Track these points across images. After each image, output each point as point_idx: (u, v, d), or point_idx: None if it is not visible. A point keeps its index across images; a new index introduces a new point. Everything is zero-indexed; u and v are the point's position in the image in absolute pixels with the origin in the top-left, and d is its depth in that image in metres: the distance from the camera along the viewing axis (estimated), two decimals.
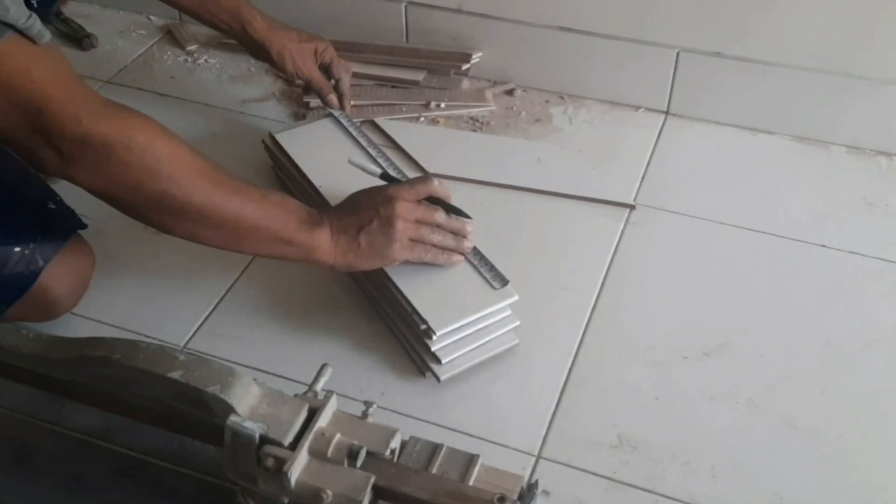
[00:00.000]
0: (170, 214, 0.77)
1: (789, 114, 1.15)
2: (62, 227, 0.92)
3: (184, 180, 0.76)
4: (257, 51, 1.09)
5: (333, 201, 0.95)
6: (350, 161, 0.95)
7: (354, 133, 1.08)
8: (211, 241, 0.81)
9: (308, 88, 1.13)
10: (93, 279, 0.95)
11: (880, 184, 1.09)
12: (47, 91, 0.71)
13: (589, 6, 1.16)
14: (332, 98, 1.12)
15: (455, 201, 0.92)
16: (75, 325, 0.93)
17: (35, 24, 0.70)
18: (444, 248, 0.88)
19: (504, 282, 0.88)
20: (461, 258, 0.90)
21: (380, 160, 1.04)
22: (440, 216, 0.88)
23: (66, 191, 0.97)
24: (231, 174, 0.80)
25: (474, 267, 0.90)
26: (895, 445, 0.82)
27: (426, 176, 0.91)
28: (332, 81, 1.13)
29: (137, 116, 0.76)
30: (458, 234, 0.89)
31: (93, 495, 0.79)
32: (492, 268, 0.89)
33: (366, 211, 0.85)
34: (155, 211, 0.77)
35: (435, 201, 0.89)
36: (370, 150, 1.05)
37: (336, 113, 1.11)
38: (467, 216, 0.90)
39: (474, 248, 0.91)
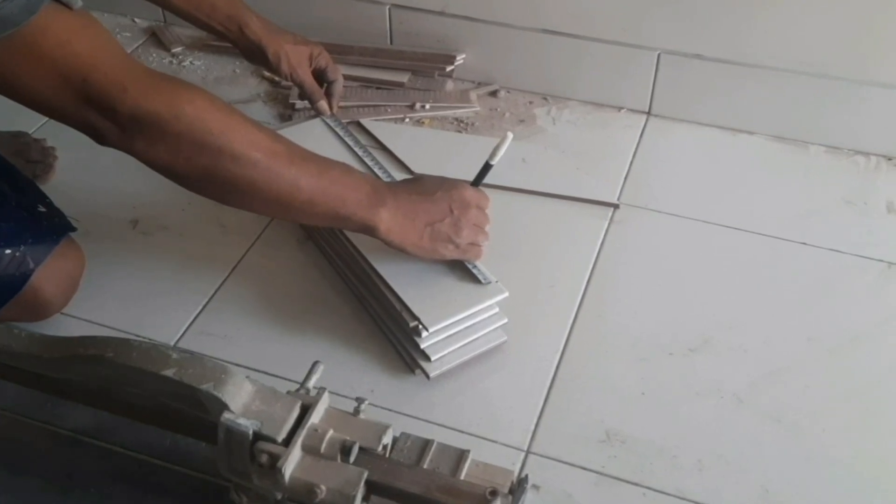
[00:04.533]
0: (222, 186, 0.76)
1: (769, 114, 1.17)
2: (52, 229, 0.92)
3: (236, 152, 0.74)
4: (253, 52, 1.09)
5: None
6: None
7: (341, 133, 1.09)
8: (265, 212, 0.81)
9: (300, 90, 1.14)
10: (83, 280, 0.95)
11: (859, 183, 1.11)
12: (90, 62, 0.69)
13: (571, 9, 1.18)
14: (323, 104, 1.12)
15: None
16: (66, 326, 0.93)
17: None
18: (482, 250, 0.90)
19: (486, 280, 0.89)
20: (483, 255, 0.91)
21: (366, 160, 1.04)
22: (489, 223, 0.90)
23: (56, 193, 0.98)
24: (291, 144, 0.78)
25: (457, 265, 0.91)
26: (877, 438, 0.84)
27: (484, 193, 0.92)
28: (326, 84, 1.13)
29: (185, 87, 0.74)
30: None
31: (86, 494, 0.79)
32: (474, 265, 0.91)
33: (440, 206, 0.85)
34: (209, 182, 0.76)
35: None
36: (357, 150, 1.06)
37: (326, 118, 1.12)
38: None
39: None
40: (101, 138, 0.73)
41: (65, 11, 0.68)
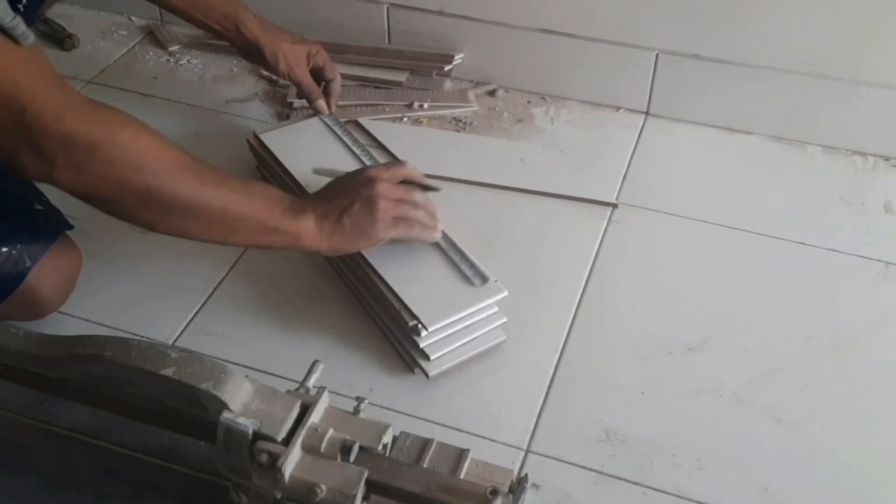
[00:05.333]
0: (156, 210, 0.77)
1: (767, 114, 1.17)
2: (49, 227, 0.92)
3: (169, 175, 0.76)
4: (250, 51, 1.09)
5: None
6: (314, 170, 0.97)
7: (339, 133, 1.09)
8: (198, 235, 0.81)
9: (298, 89, 1.14)
10: (80, 278, 0.95)
11: (856, 183, 1.12)
12: (31, 91, 0.70)
13: (569, 9, 1.18)
14: (321, 103, 1.12)
15: (439, 200, 0.94)
16: (63, 324, 0.93)
17: (19, 26, 0.69)
18: (425, 224, 0.90)
19: (484, 279, 0.89)
20: (440, 234, 0.91)
21: (364, 159, 1.04)
22: (418, 195, 0.90)
23: (52, 192, 0.97)
24: (212, 166, 0.80)
25: (455, 265, 0.91)
26: (876, 436, 0.84)
27: (400, 160, 0.94)
28: (323, 84, 1.13)
29: (119, 114, 0.76)
30: (433, 214, 0.91)
31: (83, 493, 0.79)
32: (472, 265, 0.91)
33: (347, 194, 0.87)
34: (141, 208, 0.77)
35: (408, 184, 0.91)
36: (355, 149, 1.06)
37: (324, 117, 1.12)
38: (438, 189, 0.94)
39: (456, 246, 0.92)
40: (22, 169, 0.73)
41: (9, 44, 0.69)
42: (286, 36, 1.09)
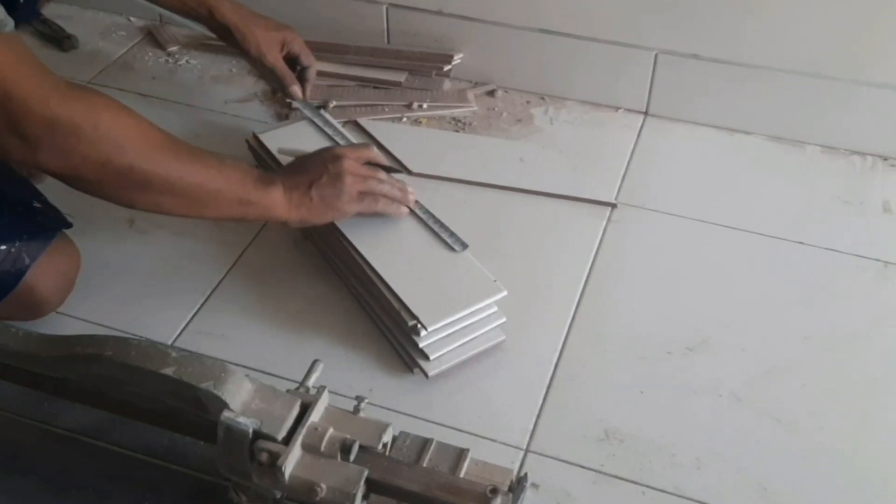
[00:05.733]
0: (136, 188, 0.80)
1: (766, 114, 1.17)
2: (47, 226, 0.92)
3: (149, 153, 0.79)
4: (224, 35, 1.10)
5: None
6: (279, 150, 1.01)
7: (316, 121, 1.09)
8: (174, 210, 0.83)
9: (270, 77, 1.14)
10: (78, 278, 0.95)
11: (855, 182, 1.12)
12: (12, 77, 0.71)
13: (568, 9, 1.18)
14: (296, 89, 1.12)
15: (439, 200, 0.97)
16: (61, 324, 0.93)
17: None
18: (391, 199, 0.94)
19: (464, 245, 0.92)
20: (406, 210, 0.96)
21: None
22: (383, 174, 0.95)
23: (50, 190, 0.97)
24: (187, 144, 0.83)
25: (435, 233, 0.94)
26: (874, 435, 0.84)
27: (366, 143, 1.00)
28: (298, 70, 1.13)
29: (100, 96, 0.78)
30: (402, 190, 0.95)
31: (83, 494, 0.79)
32: (451, 233, 0.94)
33: (315, 168, 0.91)
34: (122, 187, 0.79)
35: (373, 165, 0.95)
36: (337, 138, 1.07)
37: (297, 103, 1.12)
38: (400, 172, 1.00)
39: (434, 216, 0.96)
40: (6, 153, 0.75)
41: None
42: (261, 22, 1.10)
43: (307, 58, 1.13)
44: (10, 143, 0.73)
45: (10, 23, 0.72)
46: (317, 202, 0.89)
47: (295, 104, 1.11)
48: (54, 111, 0.73)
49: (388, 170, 0.97)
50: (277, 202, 0.87)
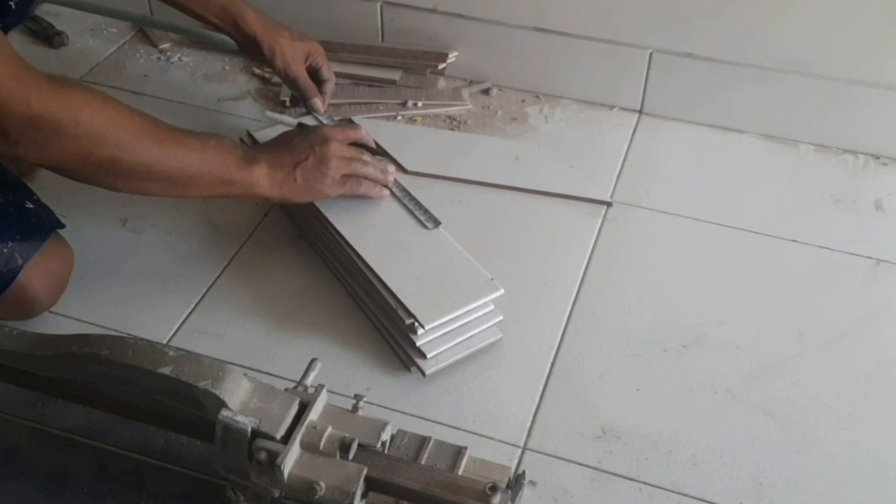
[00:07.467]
0: (118, 176, 0.81)
1: (759, 113, 1.17)
2: (40, 226, 0.91)
3: (130, 143, 0.79)
4: (248, 45, 1.09)
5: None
6: (267, 114, 1.04)
7: None
8: (158, 193, 0.86)
9: (293, 87, 1.13)
10: (72, 277, 0.94)
11: (847, 181, 1.12)
12: None
13: (563, 7, 1.18)
14: (317, 102, 1.12)
15: (434, 198, 0.97)
16: (55, 324, 0.92)
17: None
18: (374, 181, 0.96)
19: (436, 222, 0.95)
20: (388, 192, 0.98)
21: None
22: (367, 156, 0.97)
23: (43, 190, 0.97)
24: (170, 127, 0.84)
25: (409, 211, 0.97)
26: (867, 431, 0.85)
27: (353, 124, 1.01)
28: (318, 83, 1.13)
29: (80, 90, 0.78)
30: (383, 171, 0.98)
31: (78, 494, 0.78)
32: (425, 210, 0.96)
33: (301, 148, 0.92)
34: (104, 175, 0.81)
35: (358, 146, 0.97)
36: None
37: (319, 115, 1.12)
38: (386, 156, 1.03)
39: (410, 194, 0.99)
40: None
41: None
42: (285, 32, 1.09)
43: (328, 71, 1.14)
44: None
45: None
46: (300, 183, 0.91)
47: (316, 115, 1.12)
48: (35, 109, 0.73)
49: (373, 151, 0.99)
50: (261, 180, 0.88)
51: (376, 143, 1.04)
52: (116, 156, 0.79)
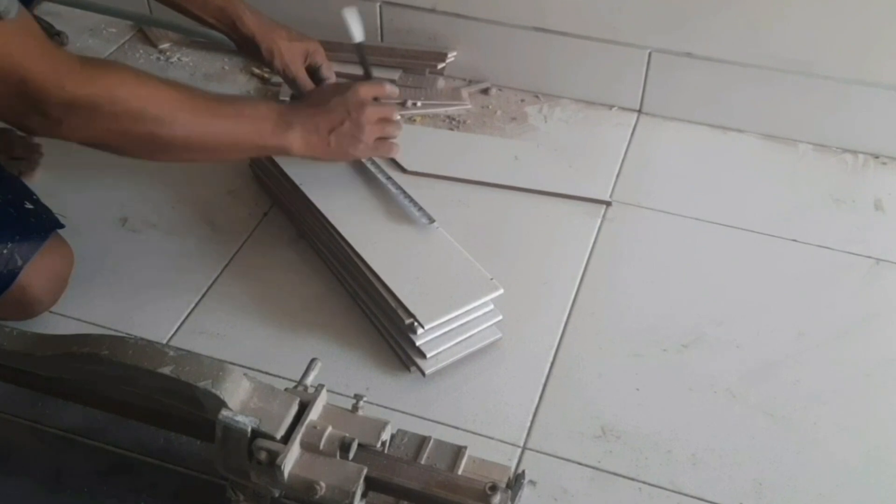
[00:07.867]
0: (157, 150, 0.84)
1: (758, 113, 1.17)
2: (40, 226, 0.91)
3: (168, 117, 0.82)
4: (246, 46, 1.08)
5: (315, 198, 0.98)
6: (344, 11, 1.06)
7: None
8: (195, 160, 0.94)
9: (292, 86, 1.13)
10: (71, 277, 0.94)
11: (847, 181, 1.12)
12: (26, 62, 0.73)
13: (563, 7, 1.18)
14: None
15: (434, 198, 0.99)
16: (54, 324, 0.92)
17: (2, 3, 0.71)
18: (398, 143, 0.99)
19: (431, 219, 0.95)
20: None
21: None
22: (395, 113, 0.99)
23: (42, 191, 0.97)
24: (205, 95, 0.87)
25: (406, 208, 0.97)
26: (867, 430, 0.85)
27: (380, 80, 1.03)
28: (318, 82, 1.13)
29: (114, 69, 0.80)
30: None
31: (78, 494, 0.78)
32: (420, 207, 0.97)
33: (337, 112, 0.94)
34: (145, 149, 0.84)
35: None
36: None
37: None
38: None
39: (403, 190, 1.00)
40: (30, 130, 0.80)
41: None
42: (283, 32, 1.09)
43: (327, 70, 1.13)
44: (34, 122, 0.77)
45: (14, 8, 0.72)
46: (334, 147, 0.94)
47: None
48: (72, 93, 0.75)
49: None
50: (294, 144, 0.91)
51: (389, 161, 1.07)
52: (155, 131, 0.81)
